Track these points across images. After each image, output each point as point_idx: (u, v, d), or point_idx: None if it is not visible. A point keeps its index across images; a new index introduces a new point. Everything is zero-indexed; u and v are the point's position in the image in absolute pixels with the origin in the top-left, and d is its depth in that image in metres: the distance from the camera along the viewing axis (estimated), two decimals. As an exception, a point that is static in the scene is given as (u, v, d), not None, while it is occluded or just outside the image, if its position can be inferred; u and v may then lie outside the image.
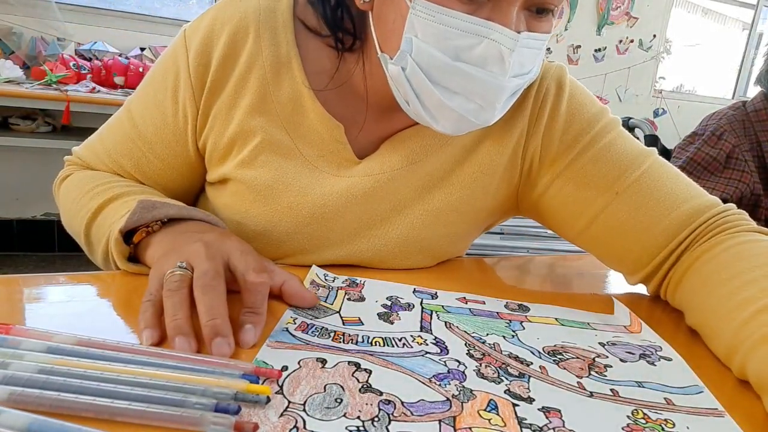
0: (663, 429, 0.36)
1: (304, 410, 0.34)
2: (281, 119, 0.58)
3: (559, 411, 0.37)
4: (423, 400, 0.36)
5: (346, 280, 0.57)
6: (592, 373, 0.43)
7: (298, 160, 0.58)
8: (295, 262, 0.60)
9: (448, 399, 0.37)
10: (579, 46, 3.54)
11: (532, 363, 0.43)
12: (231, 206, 0.60)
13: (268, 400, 0.34)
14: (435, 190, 0.61)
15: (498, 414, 0.36)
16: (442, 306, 0.52)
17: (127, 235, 0.52)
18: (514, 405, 0.37)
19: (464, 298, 0.55)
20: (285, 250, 0.60)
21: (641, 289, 0.63)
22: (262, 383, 0.35)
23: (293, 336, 0.43)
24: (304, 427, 0.32)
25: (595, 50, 3.60)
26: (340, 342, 0.43)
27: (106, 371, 0.33)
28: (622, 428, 0.36)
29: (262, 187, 0.58)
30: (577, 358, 0.45)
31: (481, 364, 0.42)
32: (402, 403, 0.35)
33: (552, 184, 0.62)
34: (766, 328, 0.43)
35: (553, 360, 0.44)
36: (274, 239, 0.59)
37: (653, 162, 0.60)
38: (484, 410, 0.36)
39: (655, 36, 3.74)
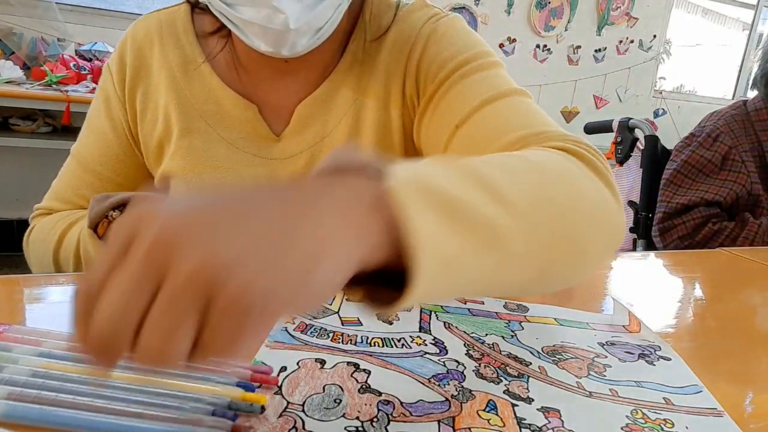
0: (662, 429, 0.36)
1: (303, 411, 0.34)
2: (198, 112, 0.62)
3: (558, 411, 0.37)
4: (422, 400, 0.36)
5: (346, 280, 0.56)
6: (591, 373, 0.43)
7: (221, 143, 0.62)
8: None
9: (447, 399, 0.37)
10: (579, 47, 3.54)
11: (531, 363, 0.43)
12: None
13: (263, 410, 0.33)
14: None
15: (497, 414, 0.36)
16: (441, 306, 0.52)
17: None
18: (513, 405, 0.37)
19: (463, 298, 0.55)
20: None
21: (645, 280, 0.63)
22: (258, 387, 0.35)
23: (292, 336, 0.43)
24: (303, 428, 0.32)
25: (595, 50, 3.60)
26: (339, 342, 0.43)
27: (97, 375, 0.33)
28: (621, 428, 0.36)
29: (193, 175, 0.62)
30: (576, 358, 0.45)
31: (480, 365, 0.42)
32: (401, 403, 0.36)
33: (428, 125, 0.59)
34: None
35: (552, 360, 0.44)
36: None
37: (506, 100, 0.54)
38: (483, 410, 0.36)
39: (655, 36, 3.74)
